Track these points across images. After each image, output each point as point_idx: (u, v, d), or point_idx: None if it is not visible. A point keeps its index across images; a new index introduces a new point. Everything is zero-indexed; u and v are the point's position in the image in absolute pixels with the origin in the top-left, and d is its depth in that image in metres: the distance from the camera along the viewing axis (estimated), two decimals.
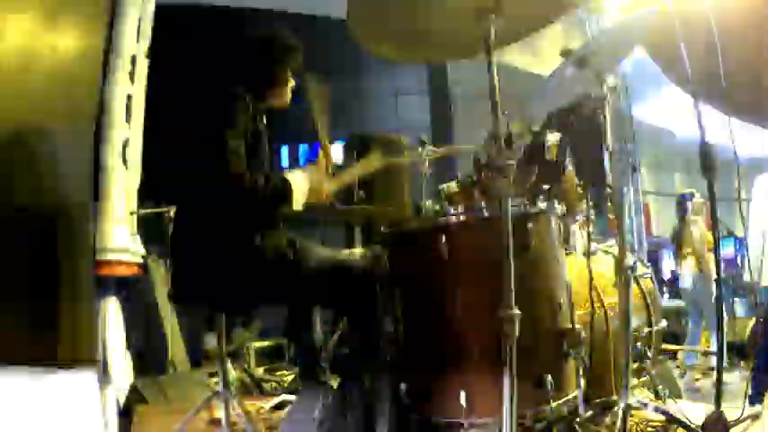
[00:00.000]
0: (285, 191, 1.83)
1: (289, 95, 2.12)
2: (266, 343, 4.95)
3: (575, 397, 1.72)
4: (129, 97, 3.13)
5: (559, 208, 1.90)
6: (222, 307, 2.07)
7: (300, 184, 1.87)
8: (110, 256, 2.88)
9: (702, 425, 1.75)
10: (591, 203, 2.13)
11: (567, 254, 2.11)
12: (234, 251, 1.82)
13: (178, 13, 5.13)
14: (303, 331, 2.15)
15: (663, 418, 1.88)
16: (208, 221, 1.84)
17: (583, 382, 1.73)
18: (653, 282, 2.44)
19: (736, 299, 6.30)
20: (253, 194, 1.76)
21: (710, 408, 1.77)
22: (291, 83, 2.11)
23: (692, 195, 5.50)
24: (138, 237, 3.32)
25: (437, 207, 2.38)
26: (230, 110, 1.83)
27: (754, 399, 2.80)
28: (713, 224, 1.99)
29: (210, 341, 5.42)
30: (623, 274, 1.84)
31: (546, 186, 1.99)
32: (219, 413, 2.21)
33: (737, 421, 1.87)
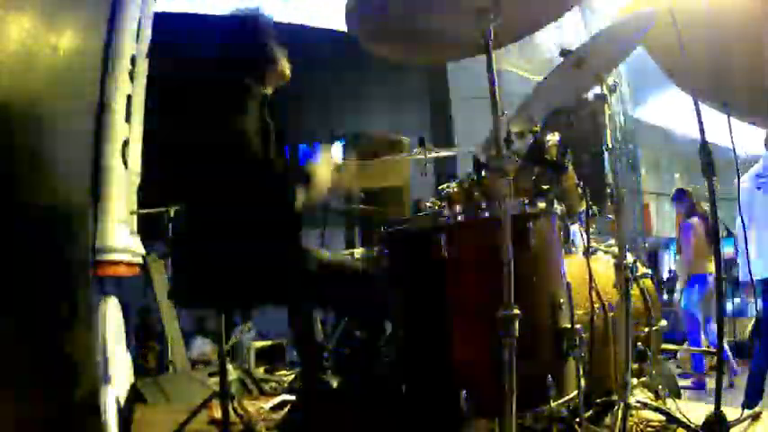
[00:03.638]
0: (310, 176, 1.92)
1: (288, 71, 2.09)
2: (266, 343, 4.95)
3: (575, 397, 1.72)
4: (128, 97, 3.13)
5: (559, 208, 1.90)
6: (229, 305, 2.07)
7: (323, 174, 1.97)
8: (110, 256, 2.88)
9: (702, 425, 1.75)
10: (591, 203, 2.12)
11: (566, 254, 2.11)
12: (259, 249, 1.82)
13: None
14: (306, 332, 2.14)
15: (663, 418, 1.88)
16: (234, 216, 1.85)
17: (583, 382, 1.73)
18: (653, 282, 2.44)
19: (736, 299, 6.32)
20: (283, 179, 1.84)
21: (710, 408, 1.77)
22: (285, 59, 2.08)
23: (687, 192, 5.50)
24: (138, 236, 3.32)
25: (437, 207, 2.39)
26: (242, 100, 1.84)
27: (753, 399, 2.79)
28: (713, 224, 1.99)
29: (200, 346, 5.42)
30: (623, 274, 1.84)
31: (546, 186, 1.99)
32: (219, 413, 2.21)
33: (737, 421, 1.87)
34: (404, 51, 1.90)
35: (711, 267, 5.00)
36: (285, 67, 2.07)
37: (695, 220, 5.29)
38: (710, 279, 5.07)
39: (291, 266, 1.85)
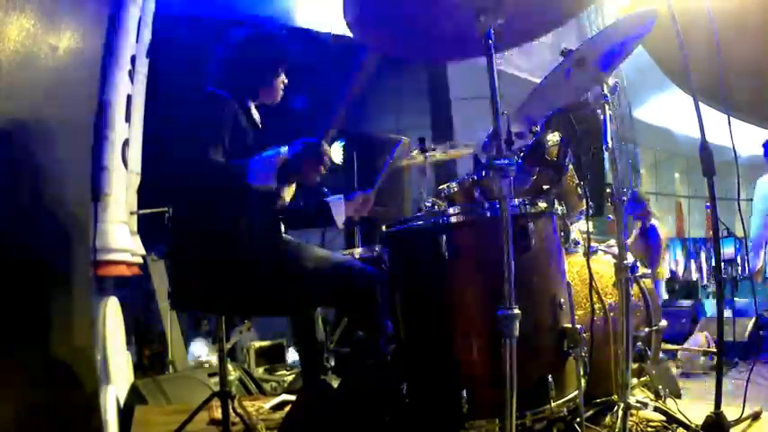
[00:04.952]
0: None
1: (280, 92, 2.12)
2: (266, 343, 4.95)
3: (575, 397, 1.72)
4: (128, 97, 3.13)
5: (560, 208, 1.90)
6: (222, 309, 2.07)
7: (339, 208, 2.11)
8: (110, 256, 2.87)
9: (702, 425, 1.75)
10: (591, 203, 2.12)
11: (567, 254, 2.11)
12: (233, 249, 1.82)
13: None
14: (307, 332, 2.14)
15: (663, 418, 1.88)
16: (204, 220, 1.85)
17: (583, 382, 1.73)
18: (653, 282, 2.44)
19: (735, 298, 6.32)
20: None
21: (710, 408, 1.77)
22: (283, 80, 2.11)
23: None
24: (138, 236, 3.32)
25: (437, 207, 2.39)
26: (216, 113, 1.84)
27: None
28: (713, 224, 1.99)
29: (199, 349, 5.40)
30: (623, 274, 1.84)
31: (546, 186, 1.99)
32: (219, 413, 2.21)
33: (737, 421, 1.87)
34: (402, 49, 1.89)
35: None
36: (277, 91, 2.11)
37: (657, 222, 5.29)
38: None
39: (290, 265, 1.85)
